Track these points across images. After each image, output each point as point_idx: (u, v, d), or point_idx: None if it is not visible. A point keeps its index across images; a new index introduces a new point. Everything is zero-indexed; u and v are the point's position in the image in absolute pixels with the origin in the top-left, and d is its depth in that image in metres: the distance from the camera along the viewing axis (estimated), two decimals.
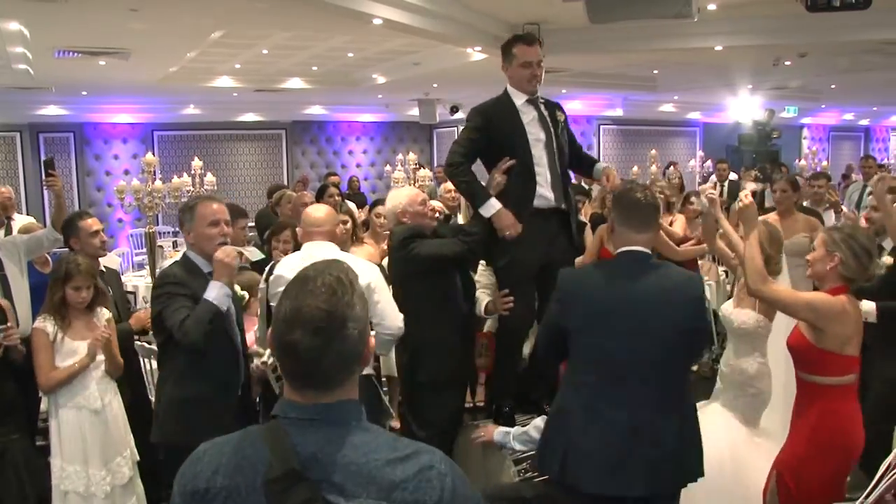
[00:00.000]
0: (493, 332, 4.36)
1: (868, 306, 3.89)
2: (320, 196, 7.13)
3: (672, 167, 13.23)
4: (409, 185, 10.05)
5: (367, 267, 3.66)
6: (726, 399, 3.95)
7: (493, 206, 3.85)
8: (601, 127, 16.81)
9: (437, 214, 4.77)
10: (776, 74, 11.62)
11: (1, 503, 3.96)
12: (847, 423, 3.12)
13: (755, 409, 3.91)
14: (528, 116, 4.00)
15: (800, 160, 15.42)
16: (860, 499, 2.71)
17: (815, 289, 3.35)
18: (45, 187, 5.45)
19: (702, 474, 2.93)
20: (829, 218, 6.55)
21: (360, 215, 6.53)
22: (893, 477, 2.58)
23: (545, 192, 3.97)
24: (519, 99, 4.00)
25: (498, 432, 3.83)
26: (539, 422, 3.70)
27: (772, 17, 7.41)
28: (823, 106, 17.98)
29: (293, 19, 6.91)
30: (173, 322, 3.22)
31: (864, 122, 21.92)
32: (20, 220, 7.06)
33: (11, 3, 6.13)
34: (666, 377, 2.83)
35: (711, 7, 6.92)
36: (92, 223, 4.76)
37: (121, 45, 7.98)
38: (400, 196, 4.23)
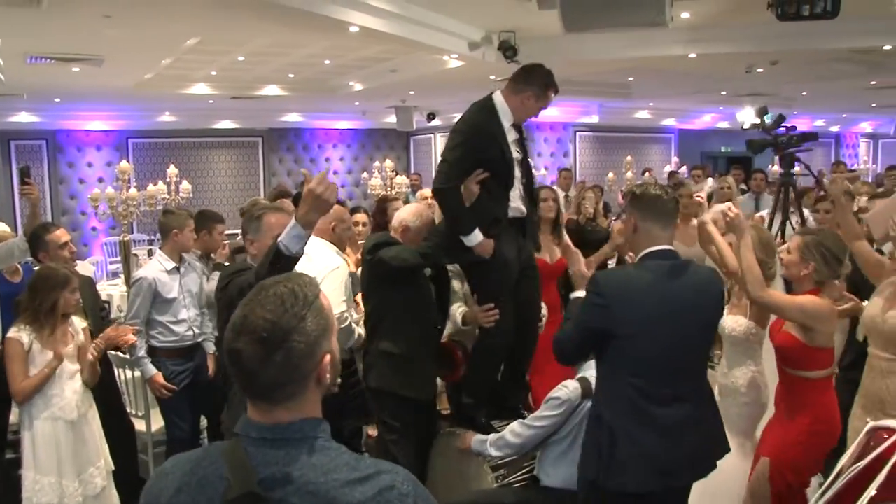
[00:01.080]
0: (454, 340, 4.34)
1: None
2: (296, 203, 7.09)
3: (647, 173, 13.36)
4: (386, 191, 10.07)
5: (328, 258, 3.79)
6: (722, 408, 4.00)
7: (477, 237, 3.88)
8: (577, 133, 16.89)
9: None
10: (749, 81, 11.77)
11: None
12: (833, 411, 3.41)
13: (748, 419, 3.93)
14: (512, 137, 4.03)
15: (772, 166, 15.58)
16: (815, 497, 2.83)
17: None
18: (20, 196, 5.37)
19: (729, 449, 3.11)
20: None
21: None
22: (848, 479, 2.65)
23: (518, 205, 4.07)
24: (507, 120, 4.00)
25: (475, 440, 3.85)
26: (516, 426, 3.71)
27: (744, 26, 7.49)
28: (795, 112, 18.19)
29: (270, 27, 6.88)
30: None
31: (835, 129, 22.20)
32: None
33: None
34: (699, 369, 3.02)
35: (685, 15, 6.98)
36: (59, 235, 4.72)
37: (94, 51, 7.90)
38: (417, 216, 4.22)
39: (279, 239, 2.62)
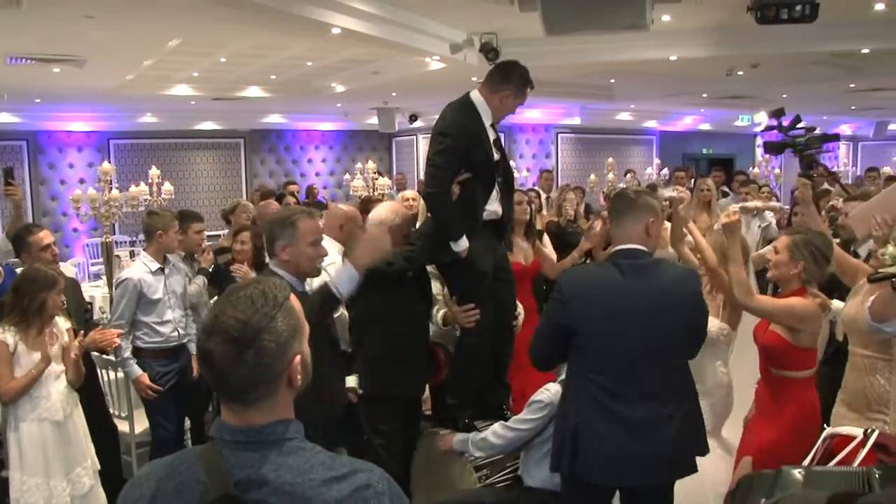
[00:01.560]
0: (435, 342, 4.34)
1: (837, 305, 4.05)
2: (279, 201, 7.15)
3: (629, 174, 13.45)
4: (368, 192, 10.09)
5: (332, 257, 3.84)
6: None
7: (465, 243, 3.90)
8: (559, 135, 16.96)
9: None
10: (730, 84, 11.86)
11: None
12: (816, 409, 3.47)
13: (715, 418, 3.98)
14: (492, 137, 4.04)
15: (753, 168, 15.74)
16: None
17: (775, 288, 3.56)
18: (4, 196, 5.34)
19: (695, 469, 3.07)
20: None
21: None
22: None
23: (495, 207, 4.07)
24: (487, 120, 3.98)
25: (457, 440, 3.88)
26: (497, 427, 3.74)
27: (724, 29, 7.58)
28: None
29: (252, 28, 6.88)
30: None
31: (815, 131, 22.42)
32: None
33: None
34: (670, 370, 2.97)
35: (666, 18, 7.05)
36: (43, 236, 4.68)
37: (76, 52, 7.87)
38: (396, 213, 4.23)
39: (331, 282, 2.77)
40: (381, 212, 4.19)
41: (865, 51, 8.30)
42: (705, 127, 19.23)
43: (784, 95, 14.73)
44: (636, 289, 2.91)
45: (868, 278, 3.31)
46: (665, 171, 15.03)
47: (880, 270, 3.28)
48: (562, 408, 3.11)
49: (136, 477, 1.56)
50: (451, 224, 3.90)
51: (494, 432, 3.73)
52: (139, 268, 4.90)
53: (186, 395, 5.05)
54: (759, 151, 20.51)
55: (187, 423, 5.34)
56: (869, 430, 2.65)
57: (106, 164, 7.28)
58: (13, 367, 3.87)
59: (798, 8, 5.65)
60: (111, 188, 7.15)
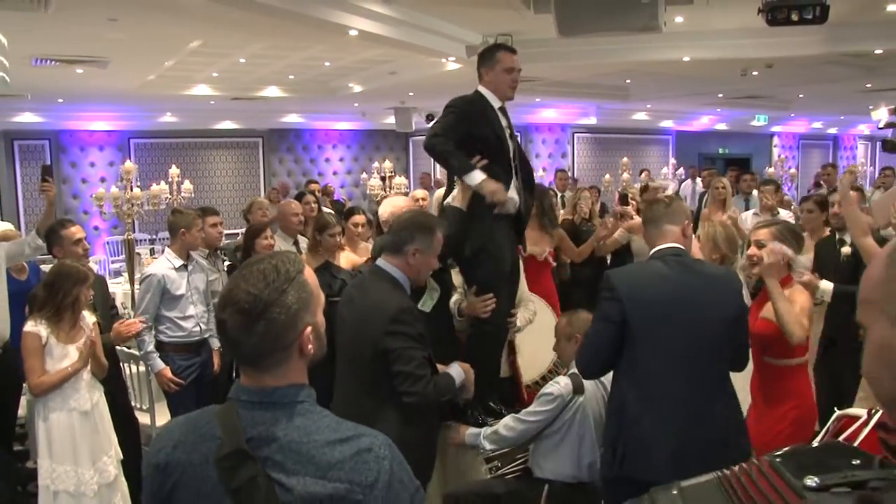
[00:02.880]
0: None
1: (826, 286, 4.10)
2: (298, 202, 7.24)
3: (643, 174, 13.51)
4: (385, 192, 10.18)
5: None
6: None
7: (478, 175, 3.83)
8: (575, 135, 17.04)
9: None
10: (745, 84, 11.89)
11: None
12: (811, 396, 3.56)
13: None
14: (504, 122, 4.07)
15: (769, 167, 15.72)
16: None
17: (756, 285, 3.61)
18: (40, 193, 5.51)
19: (750, 453, 3.08)
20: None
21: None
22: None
23: (514, 196, 4.06)
24: (495, 103, 4.04)
25: (469, 434, 3.96)
26: (509, 420, 3.83)
27: (737, 30, 7.63)
28: (792, 115, 18.34)
29: (271, 30, 7.02)
30: (416, 377, 2.97)
31: (833, 131, 22.36)
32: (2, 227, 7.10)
33: None
34: (715, 365, 3.02)
35: (679, 20, 7.12)
36: (75, 231, 4.84)
37: (99, 53, 8.04)
38: (386, 206, 4.34)
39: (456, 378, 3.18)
40: (392, 206, 4.29)
41: (879, 51, 8.32)
42: (721, 127, 19.22)
43: (801, 95, 14.73)
44: (684, 281, 2.99)
45: None
46: (681, 170, 15.08)
47: None
48: (614, 400, 3.14)
49: (164, 428, 1.69)
50: (456, 162, 3.88)
51: (506, 425, 3.81)
52: (163, 264, 5.03)
53: (207, 388, 5.16)
54: (775, 151, 20.50)
55: None
56: (873, 410, 2.74)
57: (128, 164, 7.43)
58: (45, 359, 4.00)
59: (809, 10, 5.70)
60: (133, 187, 7.31)
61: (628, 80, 12.60)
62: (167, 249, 5.17)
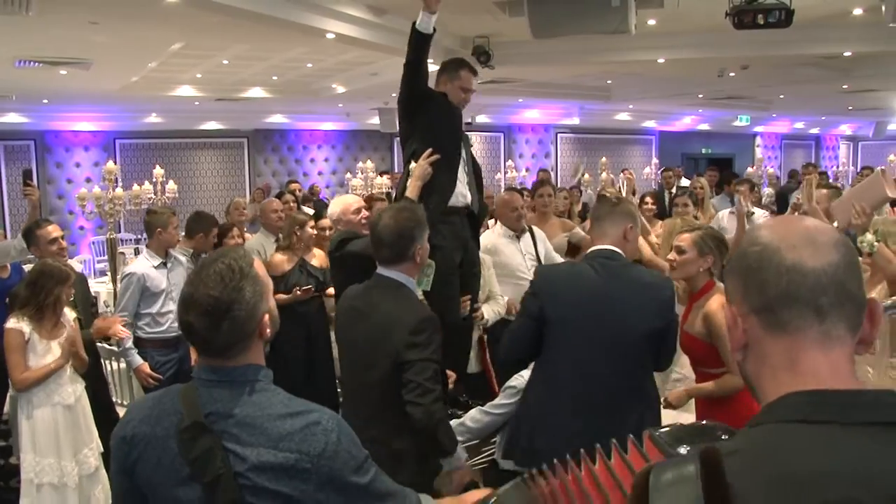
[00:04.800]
0: None
1: None
2: (279, 197, 7.41)
3: (623, 173, 13.68)
4: (368, 191, 10.31)
5: None
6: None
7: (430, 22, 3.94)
8: (558, 135, 17.19)
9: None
10: (725, 84, 12.06)
11: None
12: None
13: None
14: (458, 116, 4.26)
15: (750, 168, 15.90)
16: None
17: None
18: (23, 196, 5.60)
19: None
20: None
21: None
22: None
23: (464, 191, 4.22)
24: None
25: None
26: (475, 413, 3.96)
27: (708, 32, 7.79)
28: (774, 115, 18.56)
29: (249, 33, 7.12)
30: (426, 389, 2.79)
31: (815, 131, 22.61)
32: None
33: None
34: (634, 373, 2.97)
35: (651, 22, 7.28)
36: (51, 230, 4.91)
37: (82, 55, 8.12)
38: (336, 204, 4.48)
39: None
40: (334, 207, 4.45)
41: (847, 53, 8.51)
42: (704, 127, 19.42)
43: (781, 96, 14.93)
44: (607, 285, 2.95)
45: None
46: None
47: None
48: (525, 397, 3.23)
49: (132, 405, 1.85)
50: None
51: (472, 417, 3.95)
52: (143, 263, 5.14)
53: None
54: (758, 151, 20.72)
55: None
56: None
57: (110, 164, 7.52)
58: (28, 355, 4.10)
59: (774, 14, 5.84)
60: (116, 187, 7.40)
61: (609, 81, 12.76)
62: (145, 248, 5.28)
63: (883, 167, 3.83)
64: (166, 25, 6.79)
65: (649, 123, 18.47)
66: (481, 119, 15.81)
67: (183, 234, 5.74)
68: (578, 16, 6.11)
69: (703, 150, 20.33)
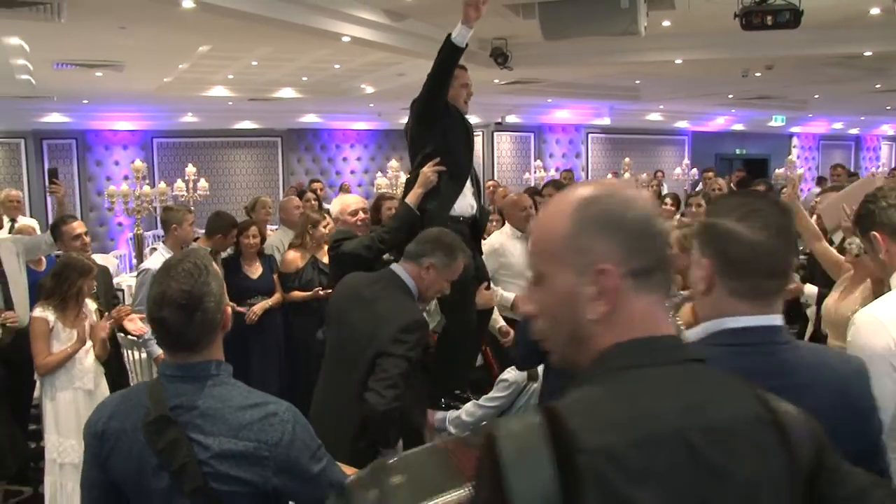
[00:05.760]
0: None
1: (810, 290, 4.30)
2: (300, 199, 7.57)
3: (658, 174, 13.78)
4: (394, 190, 10.46)
5: None
6: None
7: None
8: (589, 135, 17.18)
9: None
10: (755, 85, 11.98)
11: None
12: None
13: None
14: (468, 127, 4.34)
15: (779, 168, 15.75)
16: None
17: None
18: (49, 194, 5.90)
19: None
20: None
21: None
22: None
23: (472, 201, 4.28)
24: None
25: (438, 418, 4.25)
26: (470, 406, 4.12)
27: (725, 33, 7.79)
28: (811, 115, 18.30)
29: (269, 36, 7.32)
30: (392, 384, 2.88)
31: (854, 132, 22.21)
32: (23, 222, 7.51)
33: (11, 21, 6.56)
34: None
35: (666, 24, 7.33)
36: (75, 227, 5.17)
37: (114, 58, 8.44)
38: (336, 203, 4.63)
39: None
40: (335, 206, 4.59)
41: (868, 53, 8.45)
42: (738, 127, 19.24)
43: (816, 96, 14.75)
44: None
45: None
46: (694, 170, 15.16)
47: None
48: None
49: (102, 402, 2.01)
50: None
51: (467, 411, 4.11)
52: (158, 259, 5.37)
53: None
54: (794, 152, 20.46)
55: None
56: None
57: (138, 162, 7.82)
58: (51, 342, 4.35)
59: (783, 15, 5.88)
60: (143, 184, 7.68)
61: (638, 81, 12.76)
62: (161, 244, 5.51)
63: (874, 171, 3.83)
64: (189, 29, 7.03)
65: (681, 124, 18.36)
66: (511, 119, 15.89)
67: (202, 232, 5.95)
68: (588, 18, 6.21)
69: (738, 151, 20.12)
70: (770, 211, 1.57)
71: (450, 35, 3.98)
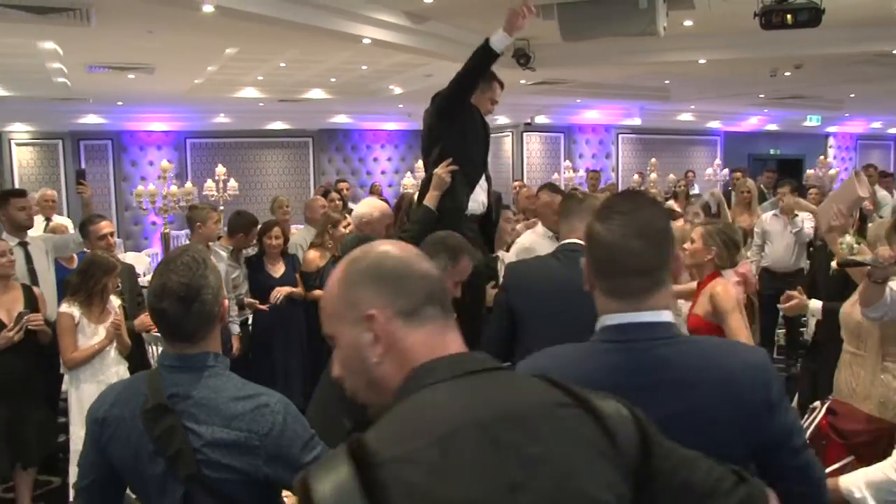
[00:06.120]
0: None
1: (815, 305, 4.26)
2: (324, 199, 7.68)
3: (688, 174, 13.71)
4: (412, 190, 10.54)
5: None
6: None
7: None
8: (619, 136, 17.10)
9: None
10: (787, 84, 11.84)
11: (18, 458, 4.56)
12: None
13: None
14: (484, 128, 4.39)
15: (811, 169, 15.53)
16: None
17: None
18: (77, 194, 6.09)
19: None
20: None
21: None
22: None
23: (483, 199, 4.35)
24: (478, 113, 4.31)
25: None
26: None
27: (748, 32, 7.74)
28: (847, 115, 18.01)
29: (292, 40, 7.44)
30: None
31: (893, 131, 21.79)
32: (57, 221, 7.74)
33: (43, 25, 6.74)
34: None
35: (688, 23, 7.30)
36: (102, 226, 5.33)
37: (144, 60, 8.64)
38: (364, 206, 4.66)
39: None
40: (360, 209, 4.65)
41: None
42: (772, 127, 18.99)
43: (851, 95, 14.52)
44: (572, 276, 2.86)
45: (837, 263, 3.55)
46: (725, 171, 15.03)
47: (850, 257, 3.51)
48: None
49: (105, 390, 2.10)
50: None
51: None
52: None
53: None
54: (830, 152, 20.15)
55: None
56: (827, 398, 2.91)
57: (165, 163, 7.99)
58: (77, 336, 4.50)
59: (804, 13, 5.83)
60: (170, 184, 7.85)
61: (667, 81, 12.68)
62: (186, 242, 5.65)
63: (857, 169, 3.81)
64: (212, 33, 7.15)
65: (714, 124, 18.18)
66: (540, 119, 15.88)
67: (226, 230, 6.07)
68: (606, 19, 6.23)
69: (772, 151, 19.85)
70: (636, 213, 1.62)
71: (488, 39, 4.00)
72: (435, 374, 1.18)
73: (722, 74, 10.11)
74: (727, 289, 3.60)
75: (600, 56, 8.24)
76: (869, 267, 3.10)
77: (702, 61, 8.40)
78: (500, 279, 4.74)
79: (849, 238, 3.67)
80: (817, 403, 3.12)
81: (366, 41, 6.87)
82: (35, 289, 4.86)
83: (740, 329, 3.44)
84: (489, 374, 1.21)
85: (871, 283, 3.18)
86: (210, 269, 1.97)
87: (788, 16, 5.86)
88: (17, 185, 13.53)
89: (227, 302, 2.01)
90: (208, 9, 5.60)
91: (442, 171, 4.12)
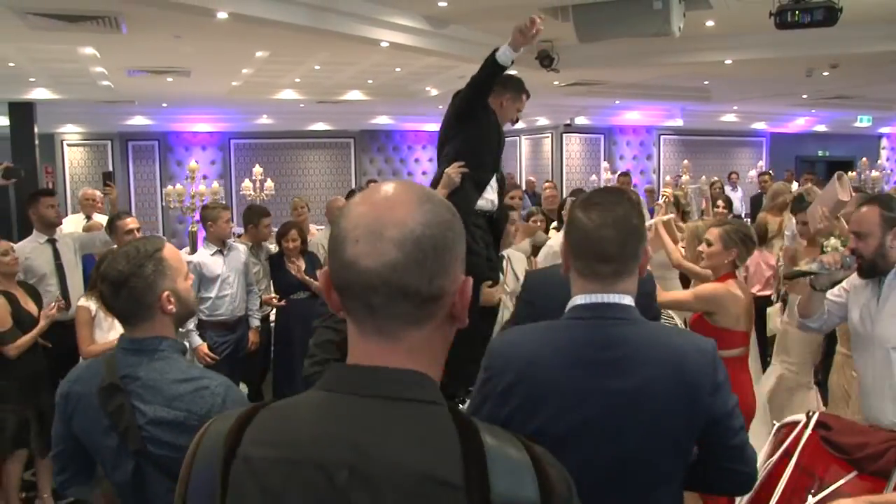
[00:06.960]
0: None
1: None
2: (349, 198, 7.81)
3: (732, 176, 13.59)
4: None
5: None
6: None
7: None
8: (661, 137, 16.94)
9: None
10: (830, 84, 11.60)
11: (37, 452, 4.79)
12: (748, 390, 3.65)
13: None
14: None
15: (852, 171, 15.14)
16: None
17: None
18: (103, 195, 6.35)
19: None
20: None
21: None
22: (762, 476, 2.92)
23: (493, 197, 4.36)
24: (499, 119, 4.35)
25: None
26: (469, 408, 4.24)
27: (769, 33, 7.63)
28: None
29: (316, 44, 7.60)
30: (311, 354, 3.13)
31: None
32: (95, 219, 8.03)
33: (81, 32, 7.03)
34: None
35: (710, 23, 7.26)
36: (128, 222, 5.52)
37: (179, 64, 8.91)
38: None
39: None
40: None
41: None
42: (820, 128, 18.60)
43: None
44: None
45: (784, 276, 3.54)
46: (770, 172, 14.76)
47: (795, 268, 3.49)
48: None
49: (73, 370, 2.25)
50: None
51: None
52: (201, 253, 5.74)
53: (241, 363, 5.78)
54: (883, 154, 19.63)
55: (244, 388, 6.09)
56: (811, 412, 2.84)
57: (193, 163, 8.23)
58: (94, 329, 4.71)
59: (819, 12, 5.77)
60: (199, 184, 8.09)
61: (706, 82, 12.55)
62: (203, 239, 5.87)
63: (840, 171, 3.74)
64: (237, 37, 7.33)
65: (759, 125, 17.86)
66: (580, 120, 15.83)
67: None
68: (621, 20, 6.25)
69: (820, 153, 19.41)
70: (615, 207, 1.80)
71: (495, 52, 4.01)
72: (334, 381, 1.13)
73: (753, 75, 9.97)
74: (716, 286, 3.68)
75: (625, 57, 8.22)
76: (813, 276, 3.06)
77: (728, 62, 8.32)
78: (502, 277, 4.84)
79: (833, 240, 3.65)
80: (792, 418, 3.01)
81: (384, 44, 6.99)
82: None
83: (678, 296, 3.84)
84: (364, 401, 1.08)
85: (812, 293, 3.16)
86: (152, 260, 2.09)
87: (803, 15, 5.80)
88: (67, 185, 14.13)
89: (167, 294, 2.10)
90: (222, 15, 5.78)
91: (452, 171, 4.15)
